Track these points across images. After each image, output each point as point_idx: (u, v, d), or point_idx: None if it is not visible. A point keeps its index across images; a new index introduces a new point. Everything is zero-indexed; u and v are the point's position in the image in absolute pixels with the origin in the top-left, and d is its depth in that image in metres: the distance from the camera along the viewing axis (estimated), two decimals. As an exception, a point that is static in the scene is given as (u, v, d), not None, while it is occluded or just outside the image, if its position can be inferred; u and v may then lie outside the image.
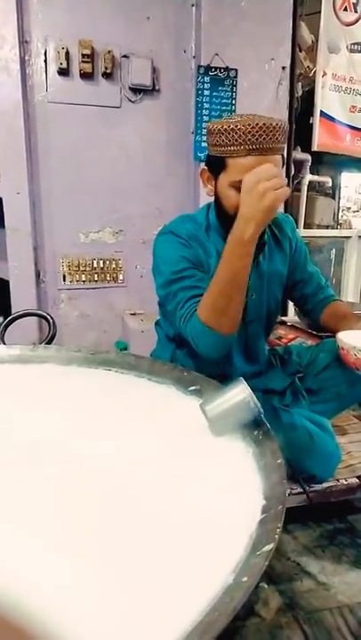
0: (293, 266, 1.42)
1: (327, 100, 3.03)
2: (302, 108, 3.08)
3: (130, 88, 2.62)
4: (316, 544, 1.40)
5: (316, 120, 3.01)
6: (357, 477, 1.46)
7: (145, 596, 0.48)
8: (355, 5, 3.00)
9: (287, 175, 2.87)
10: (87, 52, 2.44)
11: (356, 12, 3.02)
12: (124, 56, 2.57)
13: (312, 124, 3.02)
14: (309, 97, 3.05)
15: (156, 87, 2.67)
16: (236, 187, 1.14)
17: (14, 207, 2.49)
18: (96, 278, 2.81)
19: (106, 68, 2.50)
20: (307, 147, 3.08)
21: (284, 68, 2.79)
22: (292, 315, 2.56)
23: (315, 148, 3.06)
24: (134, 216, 2.79)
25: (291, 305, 2.58)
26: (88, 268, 2.78)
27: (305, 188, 3.22)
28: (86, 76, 2.52)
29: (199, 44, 2.62)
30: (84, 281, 2.79)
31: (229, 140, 1.10)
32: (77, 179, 2.64)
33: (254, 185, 1.01)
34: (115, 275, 2.84)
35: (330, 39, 2.96)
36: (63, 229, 2.68)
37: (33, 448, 0.73)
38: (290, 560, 1.33)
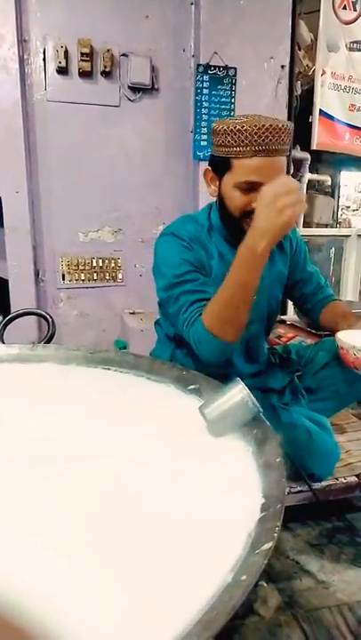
0: (293, 266, 1.42)
1: (326, 98, 3.03)
2: (301, 106, 3.08)
3: (129, 87, 2.62)
4: (316, 542, 1.40)
5: (316, 119, 3.01)
6: (356, 476, 1.46)
7: (144, 595, 0.48)
8: (354, 4, 3.00)
9: (286, 174, 2.87)
10: (86, 50, 2.44)
11: (355, 10, 3.02)
12: (123, 55, 2.57)
13: (311, 122, 3.03)
14: (309, 96, 3.05)
15: (155, 86, 2.67)
16: (242, 188, 1.14)
17: (13, 206, 2.49)
18: (95, 277, 2.81)
19: (105, 67, 2.50)
20: (306, 145, 3.08)
21: (283, 66, 2.79)
22: (291, 314, 2.56)
23: (314, 146, 3.06)
24: (133, 215, 2.79)
25: (290, 304, 2.58)
26: (87, 267, 2.78)
27: (304, 187, 3.22)
28: (85, 74, 2.51)
29: (198, 43, 2.63)
30: (83, 280, 2.79)
31: (235, 141, 1.10)
32: (76, 178, 2.64)
33: (273, 200, 1.00)
34: (114, 274, 2.84)
35: (329, 38, 2.95)
36: (62, 228, 2.68)
37: (32, 447, 0.73)
38: (289, 558, 1.33)
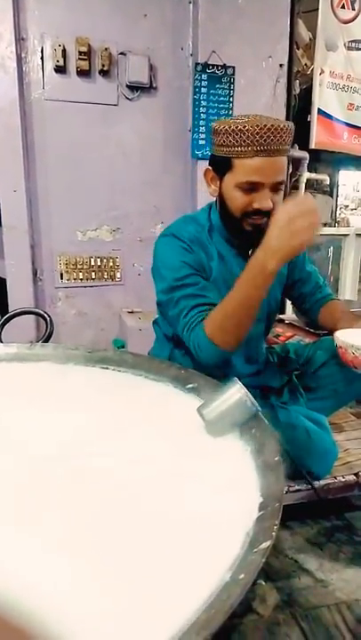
0: (292, 265, 1.42)
1: (325, 97, 3.03)
2: (300, 105, 3.08)
3: (127, 86, 2.61)
4: (314, 541, 1.40)
5: (314, 118, 3.01)
6: (355, 475, 1.47)
7: (142, 594, 0.48)
8: (352, 3, 2.99)
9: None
10: (84, 49, 2.43)
11: (353, 9, 3.01)
12: (122, 53, 2.56)
13: (310, 121, 3.02)
14: (307, 95, 3.05)
15: (154, 85, 2.67)
16: (243, 188, 1.14)
17: (11, 205, 2.48)
18: (93, 276, 2.81)
19: (103, 66, 2.50)
20: (304, 144, 3.07)
21: (281, 65, 2.78)
22: (290, 313, 2.56)
23: (312, 145, 3.06)
24: (132, 214, 2.79)
25: (289, 303, 2.58)
26: (85, 266, 2.78)
27: (303, 186, 3.21)
28: (83, 73, 2.51)
29: (196, 42, 2.62)
30: (81, 279, 2.78)
31: (237, 141, 1.10)
32: (74, 176, 2.64)
33: (287, 222, 1.00)
34: (112, 273, 2.84)
35: (327, 37, 2.95)
36: (60, 227, 2.68)
37: (30, 447, 0.73)
38: (288, 557, 1.34)
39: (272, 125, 1.07)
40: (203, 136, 2.67)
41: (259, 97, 2.77)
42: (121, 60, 2.57)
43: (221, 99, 2.68)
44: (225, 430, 0.76)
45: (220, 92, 2.67)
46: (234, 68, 2.66)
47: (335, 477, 1.44)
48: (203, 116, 2.66)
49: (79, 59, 2.45)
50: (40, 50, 2.45)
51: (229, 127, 1.10)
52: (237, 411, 0.75)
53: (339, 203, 3.98)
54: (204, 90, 2.64)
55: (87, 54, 2.45)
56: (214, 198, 1.28)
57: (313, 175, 3.36)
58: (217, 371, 1.12)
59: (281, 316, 2.36)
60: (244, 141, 1.09)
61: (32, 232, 2.59)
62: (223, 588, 0.45)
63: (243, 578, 0.46)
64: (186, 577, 0.50)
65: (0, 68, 2.35)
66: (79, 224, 2.72)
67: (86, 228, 2.74)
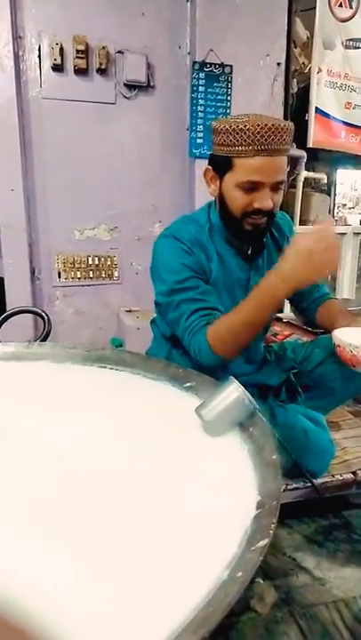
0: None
1: (322, 96, 3.03)
2: (297, 104, 3.08)
3: (124, 84, 2.61)
4: (312, 539, 1.40)
5: (312, 117, 3.01)
6: (352, 473, 1.47)
7: (140, 592, 0.48)
8: (350, 1, 2.99)
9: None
10: (81, 47, 2.42)
11: (351, 7, 3.01)
12: (119, 52, 2.56)
13: (307, 120, 3.02)
14: (305, 93, 3.04)
15: (151, 83, 2.66)
16: (243, 187, 1.14)
17: (8, 203, 2.48)
18: (91, 275, 2.81)
19: (100, 64, 2.49)
20: (302, 143, 3.07)
21: (279, 64, 2.78)
22: (287, 311, 2.56)
23: (310, 144, 3.05)
24: (129, 213, 2.79)
25: (286, 302, 2.58)
26: (83, 265, 2.77)
27: (300, 185, 3.21)
28: (81, 71, 2.50)
29: (194, 40, 2.62)
30: (79, 278, 2.78)
31: (237, 140, 1.10)
32: (72, 175, 2.63)
33: (309, 253, 1.01)
34: (110, 272, 2.84)
35: (325, 35, 2.95)
36: (58, 226, 2.67)
37: (28, 445, 0.73)
38: (285, 555, 1.34)
39: (273, 125, 1.07)
40: (200, 135, 2.67)
41: (256, 95, 2.77)
42: (118, 58, 2.57)
43: (219, 97, 2.68)
44: (223, 429, 0.76)
45: (217, 90, 2.67)
46: (231, 66, 2.65)
47: (333, 476, 1.44)
48: (200, 114, 2.66)
49: (76, 57, 2.45)
50: (37, 48, 2.45)
51: (230, 126, 1.10)
52: (235, 409, 0.75)
53: (336, 201, 4.00)
54: (201, 88, 2.64)
55: (85, 53, 2.45)
56: (213, 197, 1.28)
57: (311, 174, 3.36)
58: (215, 371, 1.13)
59: (279, 315, 2.36)
60: (245, 141, 1.09)
61: (30, 231, 2.59)
62: (221, 586, 0.46)
63: (240, 576, 0.46)
64: (184, 575, 0.50)
65: (-3, 66, 2.35)
66: (77, 223, 2.72)
67: (84, 226, 2.73)
